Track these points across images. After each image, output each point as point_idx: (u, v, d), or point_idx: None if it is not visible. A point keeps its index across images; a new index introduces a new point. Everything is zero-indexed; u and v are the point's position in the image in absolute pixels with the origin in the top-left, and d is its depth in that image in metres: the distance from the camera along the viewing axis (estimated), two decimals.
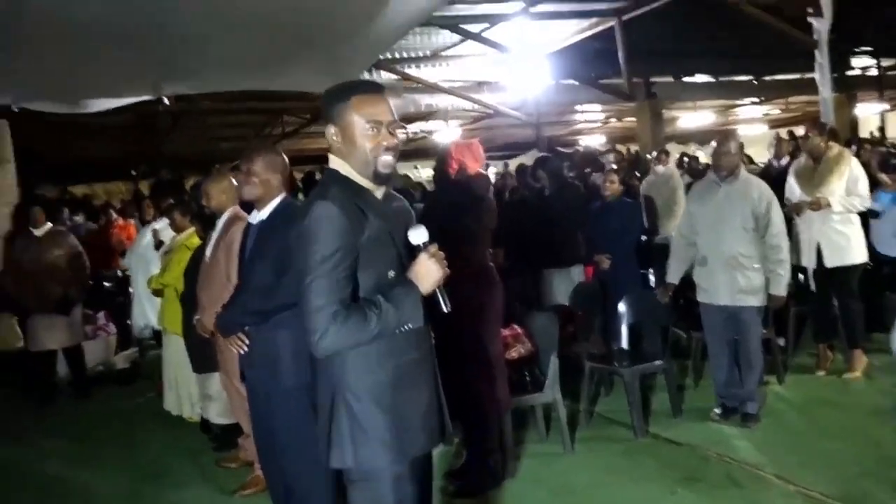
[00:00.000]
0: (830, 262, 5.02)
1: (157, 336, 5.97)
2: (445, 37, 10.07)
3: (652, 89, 12.05)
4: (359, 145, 2.04)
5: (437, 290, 2.04)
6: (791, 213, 5.06)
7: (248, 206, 3.40)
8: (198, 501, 4.04)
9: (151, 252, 5.94)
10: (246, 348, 3.03)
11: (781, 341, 5.38)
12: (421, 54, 10.76)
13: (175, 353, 4.97)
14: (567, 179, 6.43)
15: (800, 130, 11.14)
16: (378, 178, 2.07)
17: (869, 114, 15.44)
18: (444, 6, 7.68)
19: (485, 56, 10.78)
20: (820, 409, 4.61)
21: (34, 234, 6.10)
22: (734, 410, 4.45)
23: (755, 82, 13.95)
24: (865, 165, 5.44)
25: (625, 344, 4.79)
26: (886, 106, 15.69)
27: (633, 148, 13.73)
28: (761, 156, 14.50)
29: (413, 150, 16.53)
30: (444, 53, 10.81)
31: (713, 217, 4.37)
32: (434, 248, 2.04)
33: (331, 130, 2.07)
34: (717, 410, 4.50)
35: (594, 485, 3.80)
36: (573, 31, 10.34)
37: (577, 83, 12.12)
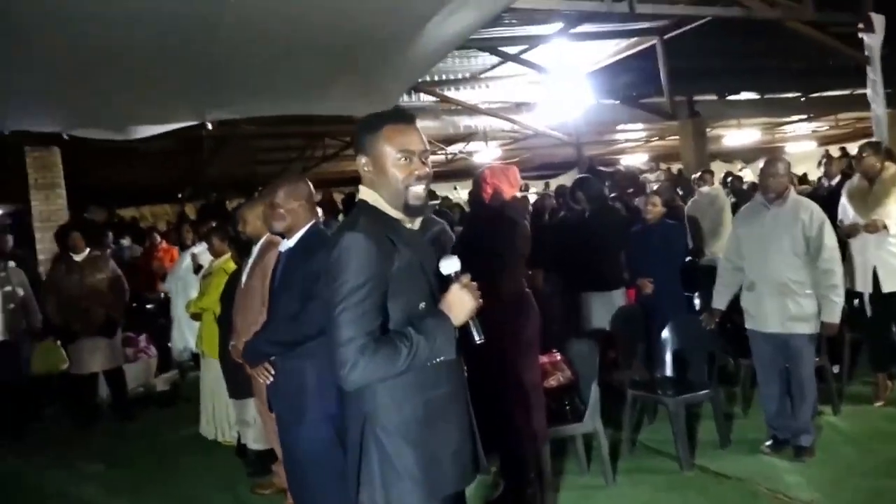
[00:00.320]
0: (887, 286, 4.79)
1: (197, 359, 6.00)
2: (485, 59, 10.06)
3: (695, 107, 11.82)
4: (390, 175, 2.01)
5: (470, 321, 1.99)
6: (844, 236, 4.85)
7: None
8: None
9: (191, 276, 6.00)
10: (272, 378, 2.99)
11: (836, 369, 5.14)
12: (460, 76, 10.77)
13: (212, 377, 4.99)
14: (607, 201, 6.29)
15: (852, 148, 10.81)
16: (409, 210, 2.04)
17: None
18: (483, 29, 7.66)
19: (524, 77, 10.73)
20: (878, 443, 4.35)
21: (74, 259, 6.22)
22: (786, 442, 4.24)
23: (802, 99, 13.59)
24: None
25: (669, 371, 4.63)
26: None
27: (677, 166, 13.48)
28: (811, 173, 14.15)
29: (452, 171, 16.54)
30: (483, 75, 10.80)
31: (761, 241, 4.20)
32: (466, 278, 1.99)
33: (362, 161, 2.05)
34: (768, 443, 4.29)
35: None
36: (613, 50, 10.22)
37: (617, 102, 11.97)
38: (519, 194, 3.98)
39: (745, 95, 13.04)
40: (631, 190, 9.24)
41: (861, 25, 8.04)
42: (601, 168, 13.03)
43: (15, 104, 6.60)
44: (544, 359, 4.23)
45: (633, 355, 5.03)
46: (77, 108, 7.05)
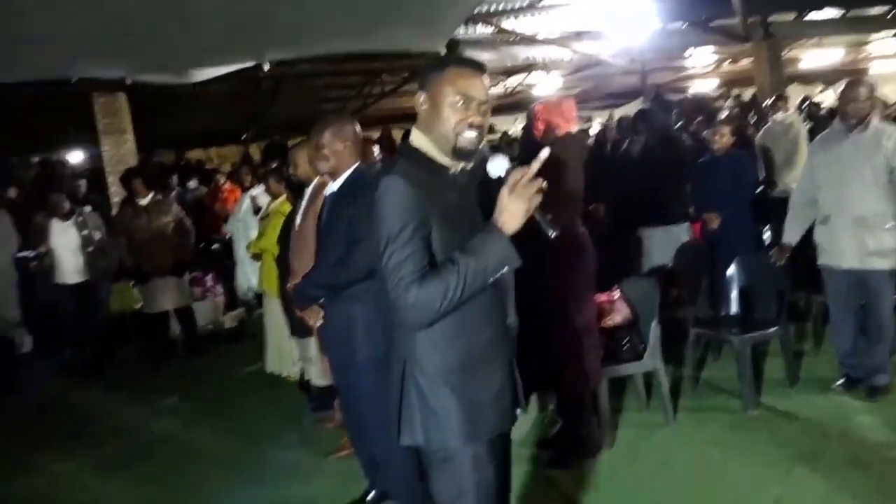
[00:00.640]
0: None
1: (260, 298, 6.14)
2: None
3: (769, 28, 11.08)
4: (444, 116, 1.93)
5: (538, 216, 1.83)
6: None
7: None
8: (295, 464, 4.12)
9: (251, 217, 6.08)
10: (321, 321, 3.01)
11: None
12: (518, 5, 10.36)
13: (275, 315, 5.08)
14: (670, 132, 6.02)
15: None
16: (457, 154, 1.95)
17: None
18: None
19: (585, 3, 10.25)
20: None
21: (140, 204, 6.39)
22: (859, 382, 4.06)
23: (889, 16, 12.53)
24: None
25: (735, 309, 4.46)
26: None
27: (751, 91, 12.79)
28: None
29: (512, 104, 16.18)
30: (541, 3, 10.36)
31: (838, 171, 3.92)
32: (516, 175, 1.82)
33: (420, 98, 1.99)
34: (840, 381, 4.12)
35: (697, 461, 3.55)
36: None
37: (685, 26, 11.33)
38: (574, 129, 3.80)
39: (827, 13, 12.11)
40: (700, 119, 8.83)
41: None
42: (668, 96, 12.50)
43: (81, 51, 6.77)
44: (602, 297, 4.14)
45: (697, 292, 4.87)
46: (139, 53, 7.19)
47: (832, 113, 7.70)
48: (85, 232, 6.52)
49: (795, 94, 11.29)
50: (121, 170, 7.57)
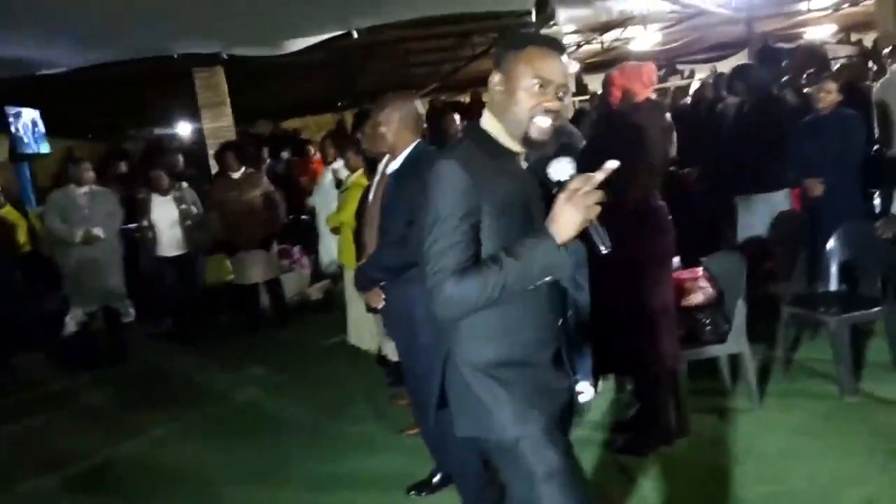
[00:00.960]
0: None
1: (343, 270, 6.25)
2: None
3: None
4: (517, 98, 1.83)
5: (591, 229, 1.73)
6: None
7: None
8: (370, 438, 4.19)
9: (333, 191, 6.14)
10: (383, 303, 2.98)
11: None
12: None
13: (354, 288, 5.14)
14: (770, 90, 5.55)
15: None
16: (527, 142, 1.85)
17: None
18: None
19: None
20: None
21: (232, 177, 6.59)
22: None
23: None
24: None
25: (834, 285, 4.10)
26: None
27: (872, 38, 11.67)
28: None
29: (608, 61, 15.54)
30: None
31: None
32: (576, 182, 1.71)
33: (495, 79, 1.88)
34: None
35: (784, 452, 3.31)
36: None
37: None
38: (653, 95, 3.56)
39: None
40: (812, 70, 8.14)
41: None
42: (777, 45, 11.63)
43: (180, 28, 7.02)
44: (685, 275, 3.92)
45: (794, 266, 4.51)
46: (232, 27, 7.39)
47: None
48: (183, 206, 6.80)
49: None
50: (219, 143, 7.84)
